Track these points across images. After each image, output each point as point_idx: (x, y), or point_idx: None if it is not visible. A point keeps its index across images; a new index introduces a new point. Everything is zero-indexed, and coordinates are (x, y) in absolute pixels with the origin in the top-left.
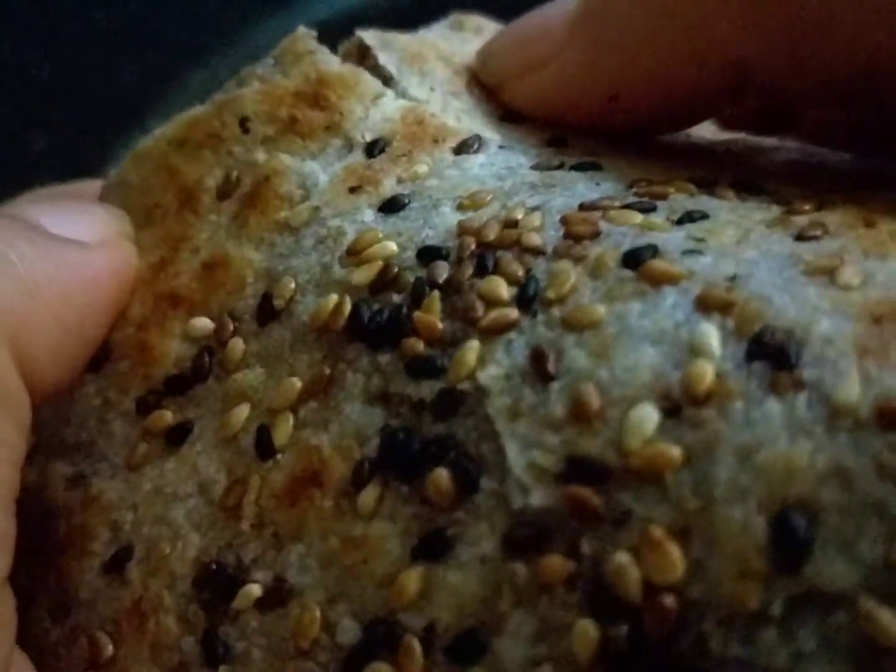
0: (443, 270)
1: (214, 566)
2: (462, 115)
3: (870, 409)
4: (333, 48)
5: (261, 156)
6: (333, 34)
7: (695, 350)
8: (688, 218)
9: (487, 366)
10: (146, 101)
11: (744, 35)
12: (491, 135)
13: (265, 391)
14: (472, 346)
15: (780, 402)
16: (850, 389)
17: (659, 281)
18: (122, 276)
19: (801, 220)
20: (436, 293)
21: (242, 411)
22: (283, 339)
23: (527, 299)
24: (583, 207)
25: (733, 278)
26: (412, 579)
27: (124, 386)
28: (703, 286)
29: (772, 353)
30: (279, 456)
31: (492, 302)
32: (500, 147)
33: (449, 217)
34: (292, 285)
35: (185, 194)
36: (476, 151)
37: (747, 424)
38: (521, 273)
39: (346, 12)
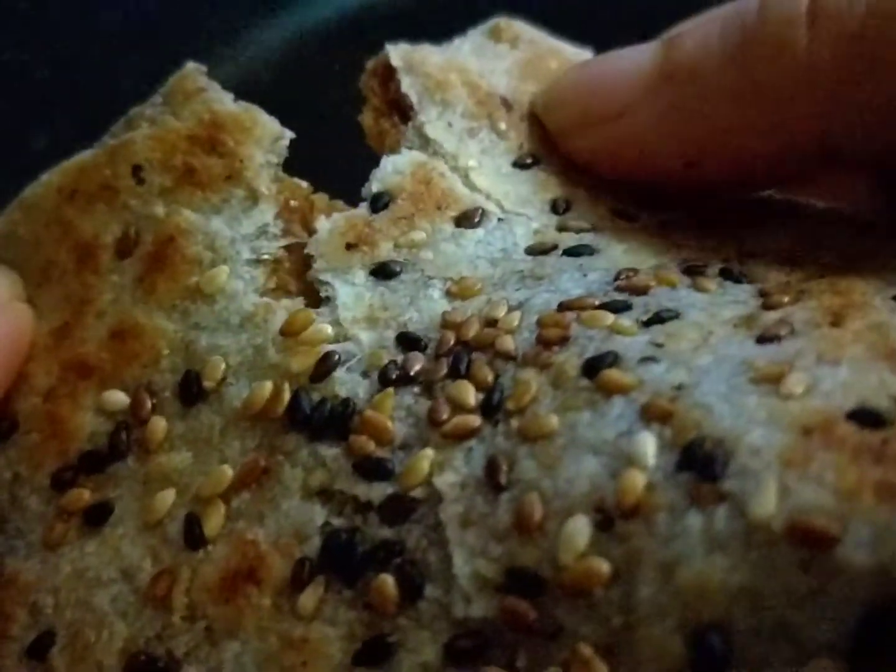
0: (416, 363)
1: (143, 657)
2: (474, 160)
3: (783, 523)
4: (334, 48)
5: (160, 210)
6: (333, 34)
7: (630, 460)
8: (657, 319)
9: (445, 471)
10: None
11: (835, 111)
12: (496, 198)
13: (192, 477)
14: (427, 455)
15: (701, 514)
16: (767, 503)
17: (610, 391)
18: (16, 339)
19: (769, 318)
20: (390, 390)
21: (167, 496)
22: (212, 423)
23: (491, 407)
24: (561, 307)
25: (679, 387)
26: None
27: (37, 460)
28: (650, 396)
29: (699, 463)
30: (210, 547)
31: (458, 406)
32: (500, 220)
33: (436, 304)
34: (223, 366)
35: (82, 251)
36: (476, 225)
37: (669, 539)
38: (490, 378)
39: (346, 12)
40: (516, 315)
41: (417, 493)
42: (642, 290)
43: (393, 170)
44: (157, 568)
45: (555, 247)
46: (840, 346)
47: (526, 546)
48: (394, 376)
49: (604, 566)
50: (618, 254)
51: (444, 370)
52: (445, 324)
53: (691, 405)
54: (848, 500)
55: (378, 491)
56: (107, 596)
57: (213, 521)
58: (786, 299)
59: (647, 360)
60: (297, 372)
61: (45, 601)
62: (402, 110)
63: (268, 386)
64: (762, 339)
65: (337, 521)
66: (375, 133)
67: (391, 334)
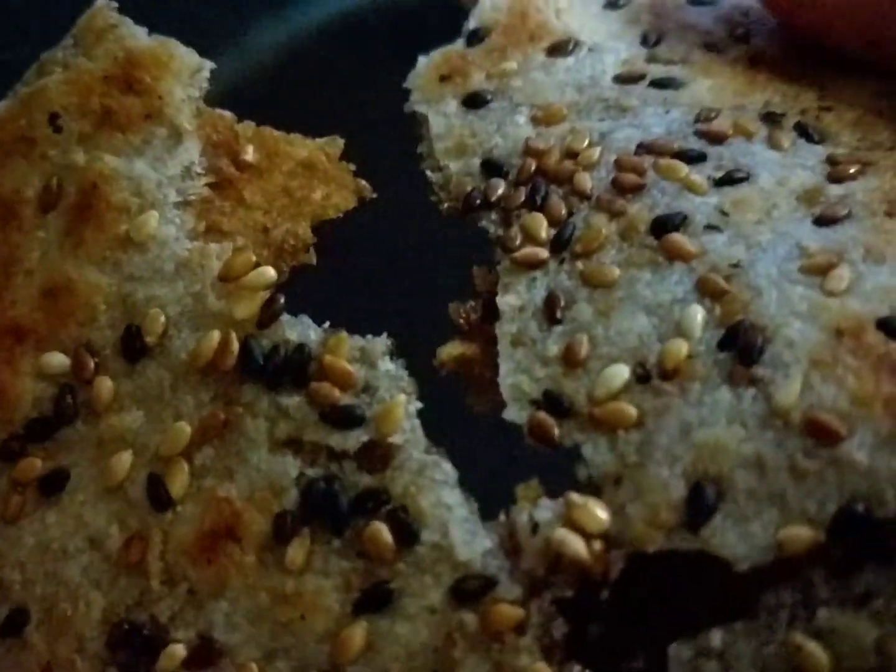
0: (497, 189)
1: (126, 626)
2: (564, 1)
3: (801, 415)
4: (334, 48)
5: (80, 157)
6: (333, 34)
7: (679, 327)
8: (727, 179)
9: (509, 293)
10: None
11: None
12: (589, 30)
13: (148, 436)
14: (400, 400)
15: (731, 391)
16: (791, 395)
17: (673, 256)
18: None
19: (831, 192)
20: (343, 334)
21: (124, 458)
22: (160, 378)
23: (560, 244)
24: (640, 149)
25: (736, 265)
26: (357, 633)
27: None
28: (708, 269)
29: (739, 346)
30: (179, 508)
31: (530, 237)
32: (590, 50)
33: (521, 130)
34: (162, 319)
35: (3, 208)
36: (567, 54)
37: (698, 405)
38: (563, 214)
39: (346, 12)
40: (596, 150)
41: (395, 438)
42: (719, 139)
43: (491, 6)
44: (125, 533)
45: (642, 77)
46: (889, 241)
47: (567, 376)
48: (476, 202)
49: (632, 410)
50: (703, 90)
51: (522, 198)
52: (528, 150)
53: (744, 286)
54: (860, 407)
55: (352, 439)
56: (77, 567)
57: (178, 481)
58: (851, 170)
59: (711, 228)
60: (242, 319)
61: (12, 577)
62: None
63: (214, 336)
64: (820, 220)
65: (312, 472)
66: None
67: (477, 162)
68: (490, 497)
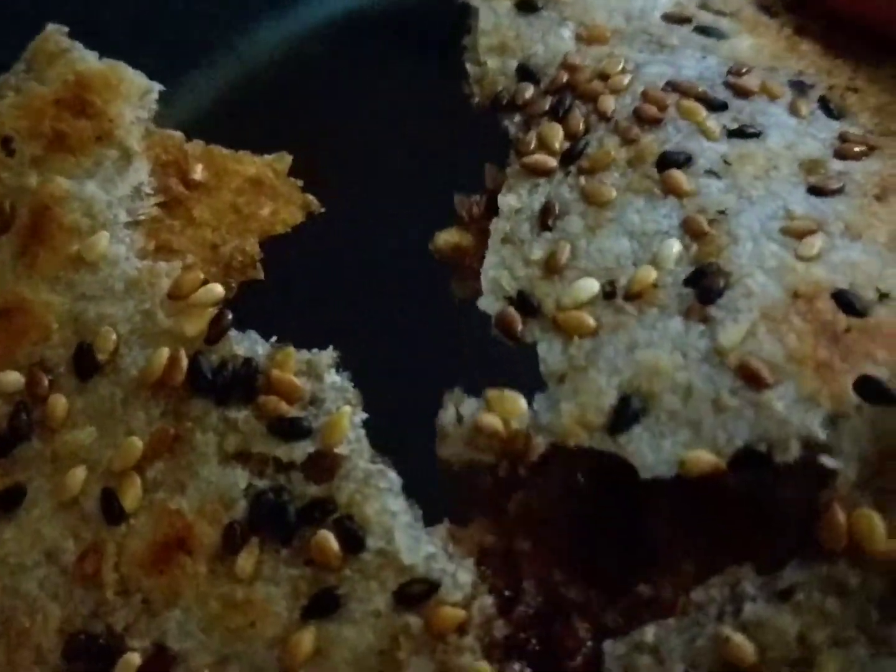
0: (526, 93)
1: (83, 636)
2: None
3: (737, 358)
4: (334, 48)
5: (33, 179)
6: (334, 34)
7: (654, 257)
8: (740, 132)
9: (511, 193)
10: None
11: None
12: None
13: (101, 451)
14: (345, 411)
15: (683, 324)
16: (733, 337)
17: (669, 190)
18: None
19: (832, 167)
20: (290, 349)
21: (79, 473)
22: (112, 395)
23: (570, 157)
24: (667, 85)
25: (723, 212)
26: (306, 638)
27: None
28: (697, 209)
29: (703, 286)
30: (132, 520)
31: (544, 145)
32: None
33: (563, 43)
34: (113, 336)
35: None
36: None
37: (650, 328)
38: (580, 129)
39: (346, 12)
40: (627, 77)
41: (341, 449)
42: (744, 94)
43: None
44: (80, 546)
45: (689, 20)
46: (868, 224)
47: (543, 280)
48: (504, 102)
49: (591, 321)
50: (744, 46)
51: (546, 107)
52: (564, 63)
53: (724, 232)
54: (793, 364)
55: (299, 450)
56: (34, 580)
57: (131, 494)
58: (856, 149)
59: (711, 173)
60: (190, 335)
61: None
62: None
63: (164, 353)
64: (813, 190)
65: (260, 483)
66: None
67: (514, 64)
68: (434, 503)
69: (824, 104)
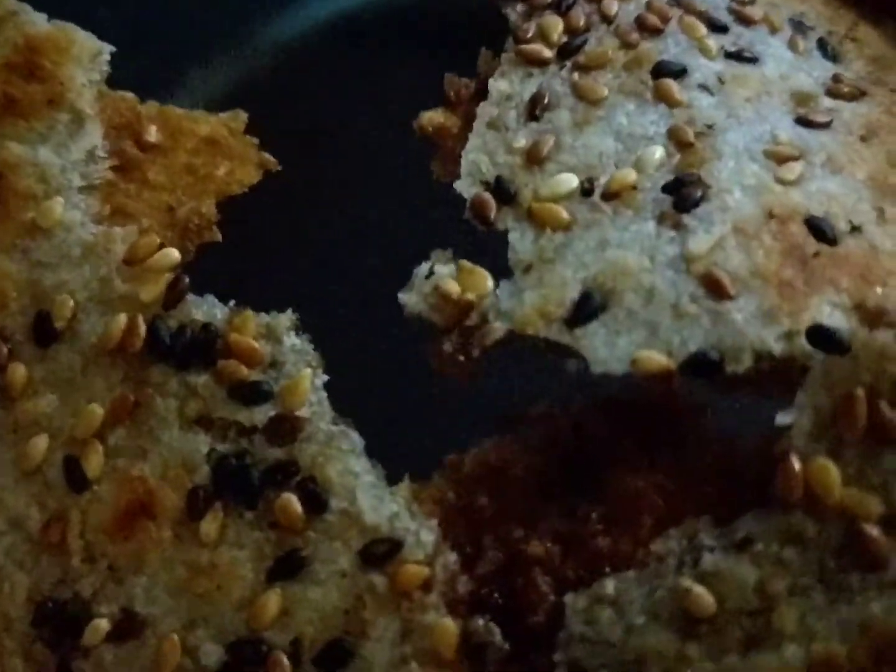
0: None
1: (51, 604)
2: None
3: (703, 267)
4: (334, 48)
5: None
6: (333, 34)
7: (637, 160)
8: (737, 55)
9: (503, 78)
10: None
11: None
12: None
13: (62, 419)
14: (306, 374)
15: (656, 228)
16: (702, 246)
17: (660, 98)
18: None
19: (822, 103)
20: (249, 312)
21: (40, 442)
22: (71, 362)
23: (567, 52)
24: (673, 0)
25: (710, 126)
26: (272, 599)
27: None
28: (685, 120)
29: (681, 194)
30: (95, 488)
31: (543, 35)
32: None
33: None
34: (71, 303)
35: None
36: None
37: (622, 229)
38: (581, 26)
39: (346, 12)
40: None
41: (303, 412)
42: (747, 21)
43: None
44: (45, 515)
45: None
46: (850, 160)
47: (523, 169)
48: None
49: (566, 215)
50: None
51: (549, 0)
52: None
53: (709, 146)
54: (757, 279)
55: (260, 414)
56: (0, 549)
57: (93, 461)
58: (846, 90)
59: (704, 88)
60: (148, 301)
61: None
62: None
63: (121, 319)
64: (801, 120)
65: (222, 447)
66: None
67: None
68: (396, 462)
69: (822, 45)
